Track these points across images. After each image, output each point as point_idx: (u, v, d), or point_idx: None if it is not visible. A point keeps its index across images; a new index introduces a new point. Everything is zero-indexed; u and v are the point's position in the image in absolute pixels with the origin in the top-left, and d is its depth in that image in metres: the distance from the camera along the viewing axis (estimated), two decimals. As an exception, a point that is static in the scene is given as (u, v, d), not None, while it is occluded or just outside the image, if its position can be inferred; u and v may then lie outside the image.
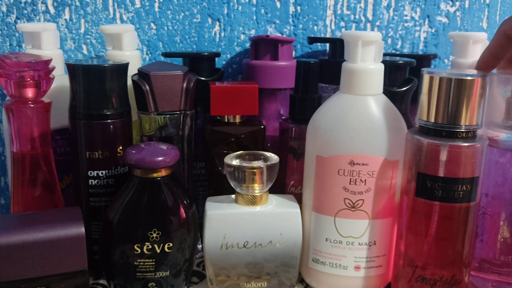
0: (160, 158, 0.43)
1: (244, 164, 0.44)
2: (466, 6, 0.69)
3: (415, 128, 0.44)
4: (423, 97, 0.42)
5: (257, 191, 0.45)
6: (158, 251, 0.44)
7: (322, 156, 0.45)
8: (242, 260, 0.45)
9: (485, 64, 0.44)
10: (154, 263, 0.44)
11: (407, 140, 0.43)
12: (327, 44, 0.64)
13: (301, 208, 0.48)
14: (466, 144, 0.40)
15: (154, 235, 0.44)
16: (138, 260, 0.44)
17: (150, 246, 0.44)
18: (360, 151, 0.43)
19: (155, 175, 0.44)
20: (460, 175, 0.41)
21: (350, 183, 0.44)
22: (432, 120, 0.41)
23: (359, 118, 0.43)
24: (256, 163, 0.45)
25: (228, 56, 0.64)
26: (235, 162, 0.45)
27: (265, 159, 0.45)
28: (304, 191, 0.48)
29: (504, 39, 0.41)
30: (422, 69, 0.42)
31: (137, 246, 0.44)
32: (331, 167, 0.44)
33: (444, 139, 0.41)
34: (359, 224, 0.45)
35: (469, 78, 0.39)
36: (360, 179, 0.44)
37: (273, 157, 0.46)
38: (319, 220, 0.46)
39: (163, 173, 0.44)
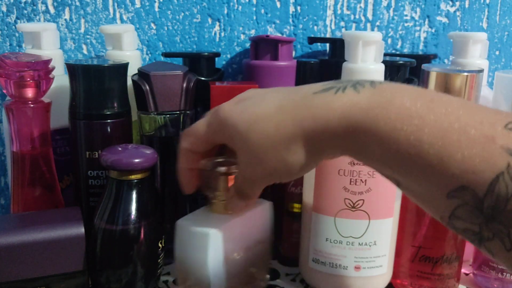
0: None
1: (220, 169, 0.41)
2: (466, 6, 0.69)
3: None
4: None
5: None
6: None
7: (322, 156, 0.45)
8: (237, 269, 0.44)
9: (188, 181, 0.40)
10: None
11: None
12: (327, 44, 0.64)
13: (301, 208, 0.47)
14: None
15: None
16: None
17: None
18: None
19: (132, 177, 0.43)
20: None
21: (350, 183, 0.44)
22: None
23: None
24: (231, 168, 0.41)
25: (228, 56, 0.64)
26: (209, 167, 0.41)
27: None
28: (304, 191, 0.48)
29: (190, 154, 0.38)
30: (423, 65, 0.45)
31: None
32: (331, 167, 0.44)
33: None
34: (359, 224, 0.45)
35: (464, 73, 0.43)
36: (361, 179, 0.44)
37: None
38: (319, 220, 0.46)
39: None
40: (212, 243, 0.40)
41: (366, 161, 0.30)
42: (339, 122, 0.28)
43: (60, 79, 0.50)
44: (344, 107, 0.28)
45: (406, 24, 0.68)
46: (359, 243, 0.45)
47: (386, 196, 0.45)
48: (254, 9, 0.63)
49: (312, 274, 0.48)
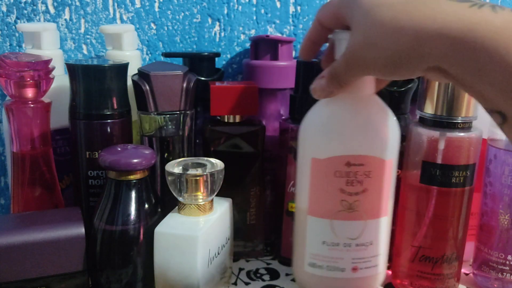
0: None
1: (191, 172, 0.41)
2: (467, 5, 0.68)
3: (416, 120, 0.47)
4: (427, 91, 0.45)
5: (200, 200, 0.43)
6: None
7: (317, 158, 0.43)
8: (217, 269, 0.45)
9: (306, 51, 0.43)
10: None
11: (410, 132, 0.46)
12: (327, 44, 0.64)
13: (295, 211, 0.47)
14: (463, 134, 0.45)
15: None
16: None
17: None
18: (356, 152, 0.42)
19: (131, 177, 0.43)
20: (460, 162, 0.45)
21: (346, 185, 0.43)
22: (432, 112, 0.45)
23: (354, 118, 0.42)
24: (199, 171, 0.42)
25: (228, 56, 0.64)
26: (177, 170, 0.42)
27: (209, 166, 0.43)
28: (298, 194, 0.47)
29: (319, 27, 0.40)
30: None
31: None
32: (327, 169, 0.43)
33: (443, 129, 0.45)
34: (356, 225, 0.44)
35: None
36: (357, 180, 0.43)
37: (218, 164, 0.43)
38: (315, 224, 0.45)
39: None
40: (200, 246, 0.40)
41: (475, 84, 0.27)
42: (462, 34, 0.26)
43: (60, 79, 0.50)
44: (474, 21, 0.26)
45: (406, 24, 0.68)
46: (356, 244, 0.45)
47: (382, 196, 0.44)
48: (254, 9, 0.63)
49: (308, 279, 0.47)
